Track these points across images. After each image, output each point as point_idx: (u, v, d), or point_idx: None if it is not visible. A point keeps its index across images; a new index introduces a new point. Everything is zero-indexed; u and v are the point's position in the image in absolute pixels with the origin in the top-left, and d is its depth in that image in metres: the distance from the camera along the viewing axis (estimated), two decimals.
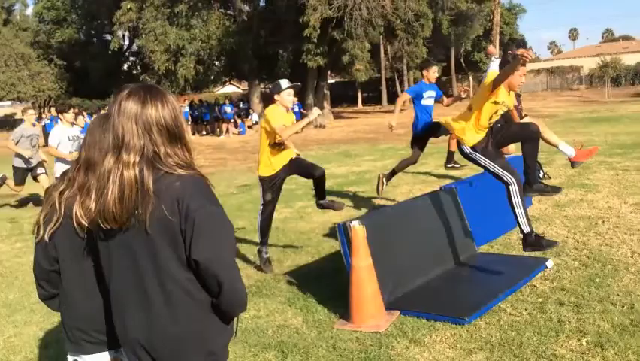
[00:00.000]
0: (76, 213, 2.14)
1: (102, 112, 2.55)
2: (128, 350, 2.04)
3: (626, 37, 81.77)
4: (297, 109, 27.27)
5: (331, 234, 7.17)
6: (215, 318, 1.99)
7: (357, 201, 9.53)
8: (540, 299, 4.71)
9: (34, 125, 10.67)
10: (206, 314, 1.97)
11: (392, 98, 49.42)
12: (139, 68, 37.81)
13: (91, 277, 2.21)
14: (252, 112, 30.20)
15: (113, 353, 2.24)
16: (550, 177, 10.10)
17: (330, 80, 41.57)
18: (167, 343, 1.96)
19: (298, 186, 11.60)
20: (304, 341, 4.29)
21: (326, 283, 5.40)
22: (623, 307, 4.43)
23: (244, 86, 48.83)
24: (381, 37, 33.55)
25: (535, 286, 5.03)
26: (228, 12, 30.11)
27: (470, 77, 53.98)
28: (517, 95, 10.42)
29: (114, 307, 2.05)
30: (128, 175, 1.86)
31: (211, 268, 1.88)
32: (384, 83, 48.35)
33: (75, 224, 2.14)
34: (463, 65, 51.63)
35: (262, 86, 37.43)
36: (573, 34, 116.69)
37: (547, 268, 5.41)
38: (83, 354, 2.25)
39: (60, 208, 2.19)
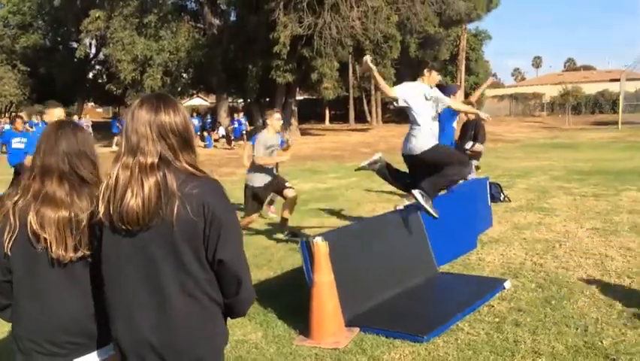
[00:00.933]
0: (30, 223, 2.11)
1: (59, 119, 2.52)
2: (130, 354, 2.01)
3: (587, 67, 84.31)
4: (236, 125, 27.54)
5: (294, 249, 7.16)
6: (222, 322, 2.09)
7: (321, 217, 9.56)
8: (497, 319, 4.79)
9: None
10: (218, 318, 2.07)
11: (359, 117, 49.94)
12: (105, 77, 37.33)
13: (47, 288, 2.16)
14: (219, 125, 30.07)
15: None
16: (510, 200, 10.32)
17: (299, 97, 41.67)
18: (184, 344, 1.99)
19: None
20: (263, 356, 4.26)
21: (287, 298, 5.39)
22: (577, 329, 4.52)
23: (212, 99, 48.62)
24: (350, 56, 33.86)
25: (493, 306, 5.10)
26: (198, 25, 30.03)
27: None
28: (480, 119, 10.65)
29: (119, 308, 2.02)
30: (151, 179, 1.93)
31: (234, 267, 2.00)
32: (352, 101, 48.72)
33: (29, 234, 2.11)
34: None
35: (230, 100, 37.38)
36: (537, 62, 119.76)
37: (505, 288, 5.50)
38: None
39: (15, 218, 2.14)
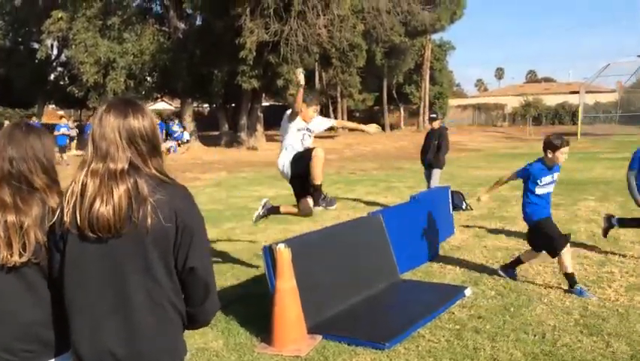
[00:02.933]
0: None
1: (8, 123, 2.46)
2: None
3: (547, 79, 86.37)
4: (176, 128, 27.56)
5: (257, 256, 7.12)
6: (182, 333, 2.07)
7: (285, 224, 9.53)
8: (458, 326, 4.84)
9: None
10: (181, 328, 2.05)
11: None
12: (67, 78, 36.52)
13: (0, 294, 2.11)
14: (182, 131, 29.76)
15: None
16: (472, 209, 10.46)
17: (265, 103, 41.59)
18: (150, 355, 1.95)
19: (227, 207, 11.50)
20: None
21: (250, 305, 5.35)
22: (535, 336, 4.61)
23: (176, 103, 48.13)
24: (316, 64, 33.98)
25: (453, 313, 5.16)
26: (163, 28, 29.68)
27: (401, 108, 55.42)
28: (445, 129, 10.80)
29: (80, 317, 1.96)
30: (122, 185, 1.89)
31: (203, 274, 1.99)
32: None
33: None
34: (395, 96, 52.96)
35: (195, 104, 37.02)
36: (499, 74, 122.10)
37: (465, 296, 5.57)
38: None
39: None
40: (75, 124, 28.76)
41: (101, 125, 1.95)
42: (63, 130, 23.77)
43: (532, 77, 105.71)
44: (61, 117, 28.38)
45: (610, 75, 42.14)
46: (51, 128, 22.45)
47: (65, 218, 1.93)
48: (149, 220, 1.88)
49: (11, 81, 34.24)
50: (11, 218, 2.09)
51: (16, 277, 2.12)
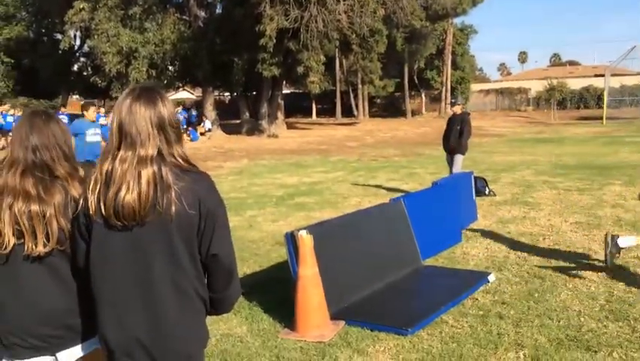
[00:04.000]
0: (4, 217, 2.08)
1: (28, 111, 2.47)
2: (118, 351, 1.99)
3: (572, 63, 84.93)
4: (181, 117, 27.52)
5: (280, 243, 7.15)
6: (205, 320, 2.09)
7: (307, 211, 9.56)
8: (481, 312, 4.82)
9: None
10: (204, 314, 2.08)
11: (346, 111, 49.96)
12: (89, 69, 36.91)
13: (27, 282, 2.14)
14: (204, 119, 29.92)
15: (50, 357, 2.18)
16: (495, 194, 10.37)
17: (286, 91, 41.60)
18: (176, 342, 1.98)
19: (249, 195, 11.56)
20: (248, 350, 4.26)
21: (273, 292, 5.39)
22: (559, 321, 4.57)
23: (198, 92, 48.35)
24: (336, 50, 33.84)
25: (477, 299, 5.14)
26: (184, 17, 29.78)
27: (423, 94, 55.00)
28: (467, 114, 10.71)
29: (106, 304, 1.99)
30: (148, 172, 1.91)
31: (227, 261, 2.03)
32: (338, 95, 48.75)
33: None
34: (416, 82, 52.55)
35: (216, 93, 37.14)
36: (522, 57, 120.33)
37: (489, 282, 5.54)
38: (18, 359, 2.18)
39: None
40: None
41: (131, 113, 1.96)
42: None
43: (556, 61, 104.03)
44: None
45: (636, 58, 41.26)
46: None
47: (90, 207, 1.95)
48: (173, 208, 1.90)
49: (36, 72, 34.69)
50: (35, 208, 2.11)
51: (43, 265, 2.15)
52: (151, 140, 1.95)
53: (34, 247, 2.10)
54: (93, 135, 9.56)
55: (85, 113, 9.82)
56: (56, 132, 2.23)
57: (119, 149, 1.95)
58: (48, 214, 2.11)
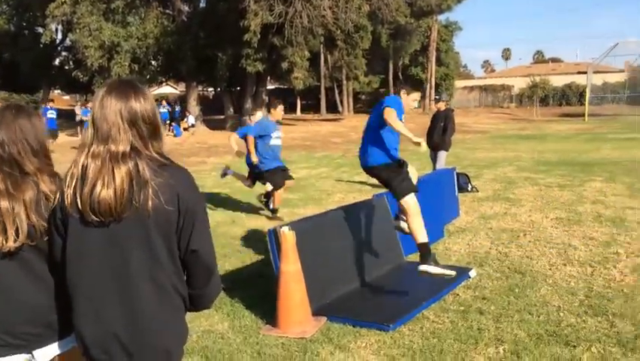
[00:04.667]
0: None
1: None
2: (94, 347, 1.96)
3: (555, 60, 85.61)
4: (163, 110, 27.24)
5: (262, 239, 7.13)
6: (184, 316, 2.07)
7: (291, 207, 9.55)
8: (462, 308, 4.85)
9: None
10: (183, 311, 2.06)
11: (331, 107, 49.96)
12: (71, 63, 36.47)
13: (1, 279, 2.11)
14: (188, 114, 29.75)
15: (26, 355, 2.15)
16: (477, 191, 10.44)
17: (270, 86, 41.47)
18: (153, 337, 1.96)
19: (232, 190, 11.52)
20: (229, 346, 4.25)
21: (255, 288, 5.38)
22: (539, 316, 4.61)
23: (181, 87, 48.03)
24: (321, 46, 33.78)
25: (458, 294, 5.17)
26: (167, 11, 29.55)
27: None
28: (451, 111, 10.76)
29: (83, 300, 1.96)
30: (123, 169, 1.88)
31: (206, 257, 2.01)
32: (323, 91, 48.75)
33: None
34: (401, 78, 52.70)
35: (200, 88, 36.91)
36: (506, 54, 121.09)
37: (470, 277, 5.58)
38: None
39: None
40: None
41: (103, 107, 1.93)
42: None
43: (539, 58, 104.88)
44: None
45: (618, 55, 41.89)
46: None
47: (66, 201, 1.93)
48: (150, 203, 1.88)
49: (16, 66, 34.22)
50: (4, 204, 2.08)
51: (16, 262, 2.12)
52: (122, 134, 1.91)
53: (4, 242, 2.07)
54: (277, 138, 8.74)
55: (272, 111, 8.74)
56: (24, 127, 2.19)
57: (93, 143, 1.93)
58: (16, 210, 2.09)
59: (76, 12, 26.41)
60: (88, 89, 33.91)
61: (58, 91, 47.01)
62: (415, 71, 52.57)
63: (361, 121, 36.96)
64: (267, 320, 4.65)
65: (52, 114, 22.23)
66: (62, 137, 24.48)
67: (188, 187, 1.98)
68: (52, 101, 25.67)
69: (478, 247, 6.78)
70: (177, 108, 30.80)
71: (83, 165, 1.92)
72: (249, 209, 9.48)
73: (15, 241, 2.08)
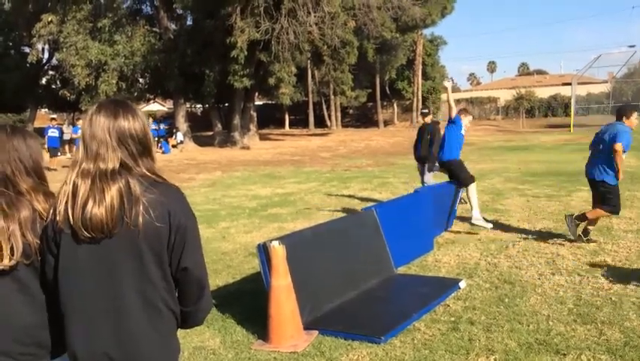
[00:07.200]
0: None
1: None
2: None
3: (540, 72, 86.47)
4: (153, 127, 26.99)
5: (253, 254, 7.14)
6: (176, 333, 2.07)
7: (280, 222, 9.55)
8: (453, 318, 4.88)
9: None
10: (175, 328, 2.06)
11: (319, 122, 50.11)
12: (58, 82, 36.42)
13: None
14: (176, 131, 29.71)
15: None
16: (466, 202, 10.49)
17: (258, 102, 41.57)
18: (143, 355, 1.95)
19: (222, 206, 11.51)
20: None
21: (246, 303, 5.37)
22: (529, 326, 4.64)
23: (169, 104, 48.01)
24: (308, 61, 33.96)
25: (448, 305, 5.19)
26: (154, 29, 29.63)
27: (394, 104, 55.45)
28: (437, 123, 10.85)
29: (75, 318, 1.96)
30: (113, 187, 1.89)
31: (196, 272, 2.00)
32: (311, 106, 48.91)
33: None
34: (388, 92, 53.01)
35: (188, 105, 36.91)
36: (491, 67, 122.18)
37: (460, 288, 5.61)
38: None
39: None
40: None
41: (92, 126, 1.95)
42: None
43: (524, 70, 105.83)
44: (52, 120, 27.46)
45: (601, 66, 42.49)
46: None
47: (58, 218, 1.94)
48: (140, 220, 1.88)
49: (3, 85, 34.09)
50: (0, 223, 2.10)
51: (10, 280, 2.12)
52: (110, 152, 1.93)
53: None
54: None
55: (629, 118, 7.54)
56: (19, 147, 2.21)
57: (84, 161, 1.95)
58: (11, 229, 2.09)
59: (62, 31, 26.44)
60: (75, 108, 33.78)
61: (45, 110, 46.78)
62: (402, 85, 52.89)
63: (350, 135, 37.09)
64: (258, 335, 4.65)
65: (53, 133, 21.96)
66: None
67: (180, 204, 1.98)
68: (54, 119, 25.33)
69: (468, 258, 6.82)
70: (162, 127, 30.63)
71: (74, 183, 1.94)
72: (239, 225, 9.47)
73: (10, 259, 2.08)
